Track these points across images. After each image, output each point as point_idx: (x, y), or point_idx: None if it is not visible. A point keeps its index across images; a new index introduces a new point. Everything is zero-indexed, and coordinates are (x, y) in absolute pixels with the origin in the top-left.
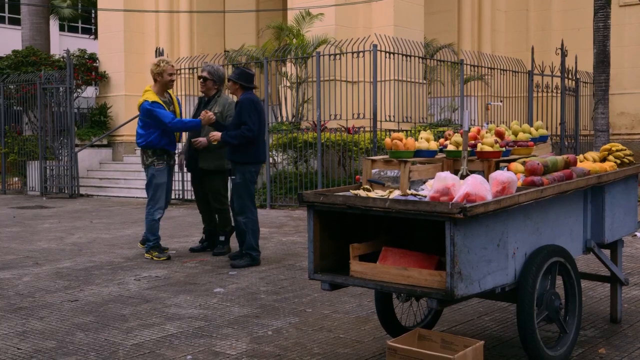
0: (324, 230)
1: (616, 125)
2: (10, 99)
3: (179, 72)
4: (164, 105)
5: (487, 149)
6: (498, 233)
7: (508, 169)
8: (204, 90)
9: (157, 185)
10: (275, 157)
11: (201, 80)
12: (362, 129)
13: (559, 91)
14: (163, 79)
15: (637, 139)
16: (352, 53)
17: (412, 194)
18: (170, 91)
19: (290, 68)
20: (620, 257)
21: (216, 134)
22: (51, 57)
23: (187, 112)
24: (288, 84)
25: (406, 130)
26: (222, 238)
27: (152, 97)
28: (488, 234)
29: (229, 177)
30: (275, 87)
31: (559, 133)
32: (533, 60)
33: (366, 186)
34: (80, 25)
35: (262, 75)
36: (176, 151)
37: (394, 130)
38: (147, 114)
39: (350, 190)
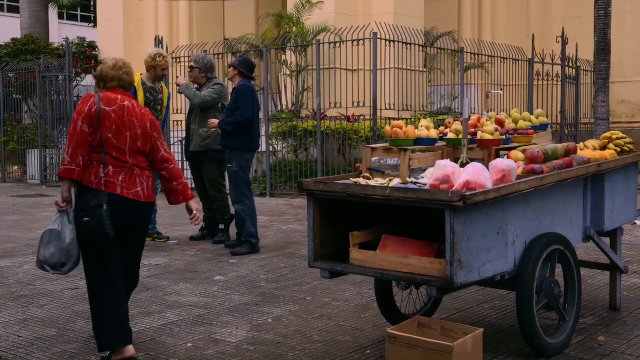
0: (324, 219)
1: (617, 114)
2: (10, 87)
3: (178, 60)
4: (141, 89)
5: (488, 137)
6: (498, 221)
7: (508, 157)
8: (191, 78)
9: None
10: (275, 146)
11: (189, 69)
12: (362, 117)
13: (559, 79)
14: (156, 72)
15: (638, 127)
16: (352, 41)
17: (412, 182)
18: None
19: (290, 56)
20: (620, 245)
21: (214, 121)
22: (50, 46)
23: (183, 100)
24: (288, 73)
25: (406, 119)
26: (221, 226)
27: (137, 80)
28: (488, 222)
29: (226, 166)
30: (275, 75)
31: (559, 121)
32: (534, 48)
33: (366, 174)
34: (79, 13)
35: (262, 64)
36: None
37: (394, 119)
38: None
39: (350, 179)
